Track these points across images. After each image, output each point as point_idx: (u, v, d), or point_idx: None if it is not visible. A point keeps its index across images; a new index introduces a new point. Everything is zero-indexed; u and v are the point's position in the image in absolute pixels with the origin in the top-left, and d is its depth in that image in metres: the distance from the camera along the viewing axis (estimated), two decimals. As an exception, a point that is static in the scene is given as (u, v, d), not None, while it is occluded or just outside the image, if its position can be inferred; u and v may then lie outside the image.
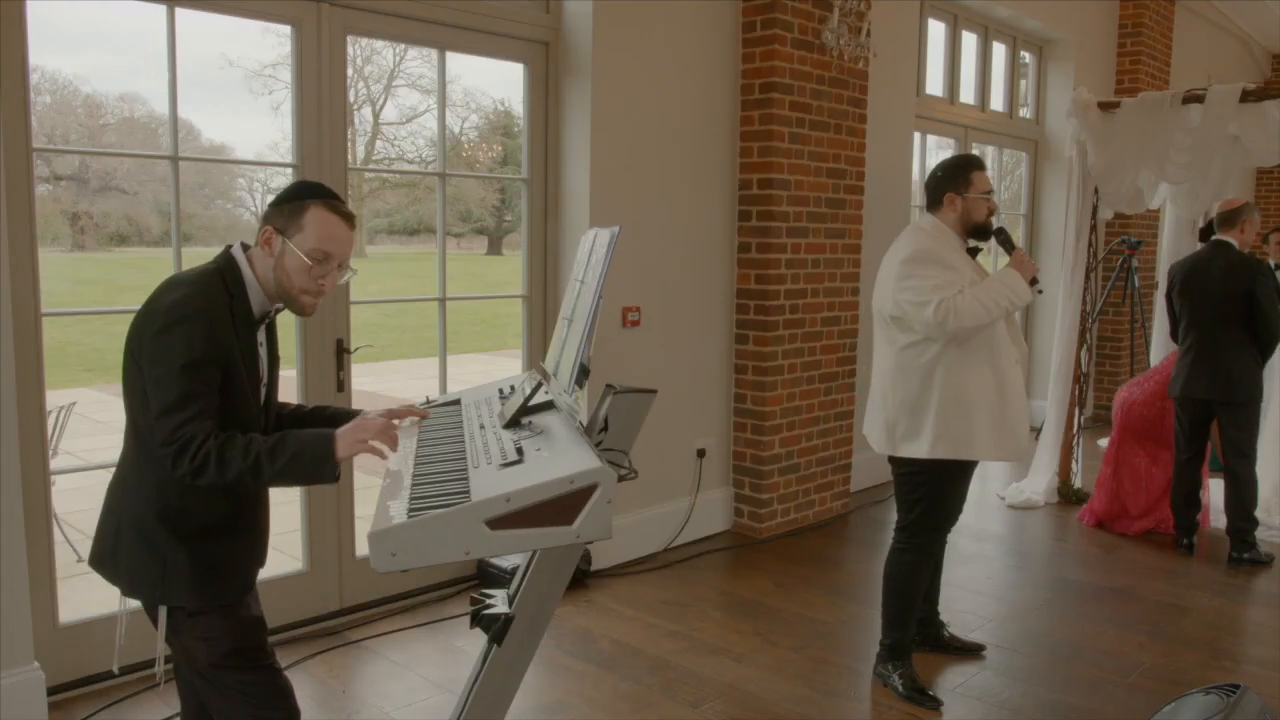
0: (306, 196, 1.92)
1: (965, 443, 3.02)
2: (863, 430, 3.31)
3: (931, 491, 3.14)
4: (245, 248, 1.95)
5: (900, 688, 3.20)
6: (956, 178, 3.11)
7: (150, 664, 3.24)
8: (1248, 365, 4.45)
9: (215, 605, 1.91)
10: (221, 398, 1.85)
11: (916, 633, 3.46)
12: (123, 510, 1.91)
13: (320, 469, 1.80)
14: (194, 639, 1.91)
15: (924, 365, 3.03)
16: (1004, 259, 3.17)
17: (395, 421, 1.99)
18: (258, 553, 2.04)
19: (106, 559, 1.94)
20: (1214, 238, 4.62)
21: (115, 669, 2.20)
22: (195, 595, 1.89)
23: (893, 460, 3.21)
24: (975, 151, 7.09)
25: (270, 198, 1.99)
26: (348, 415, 2.14)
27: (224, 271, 1.90)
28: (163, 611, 1.90)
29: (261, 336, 1.99)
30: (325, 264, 1.91)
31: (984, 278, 3.07)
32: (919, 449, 3.05)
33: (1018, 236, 7.63)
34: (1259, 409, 4.56)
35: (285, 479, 1.81)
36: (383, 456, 1.91)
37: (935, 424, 3.01)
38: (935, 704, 3.16)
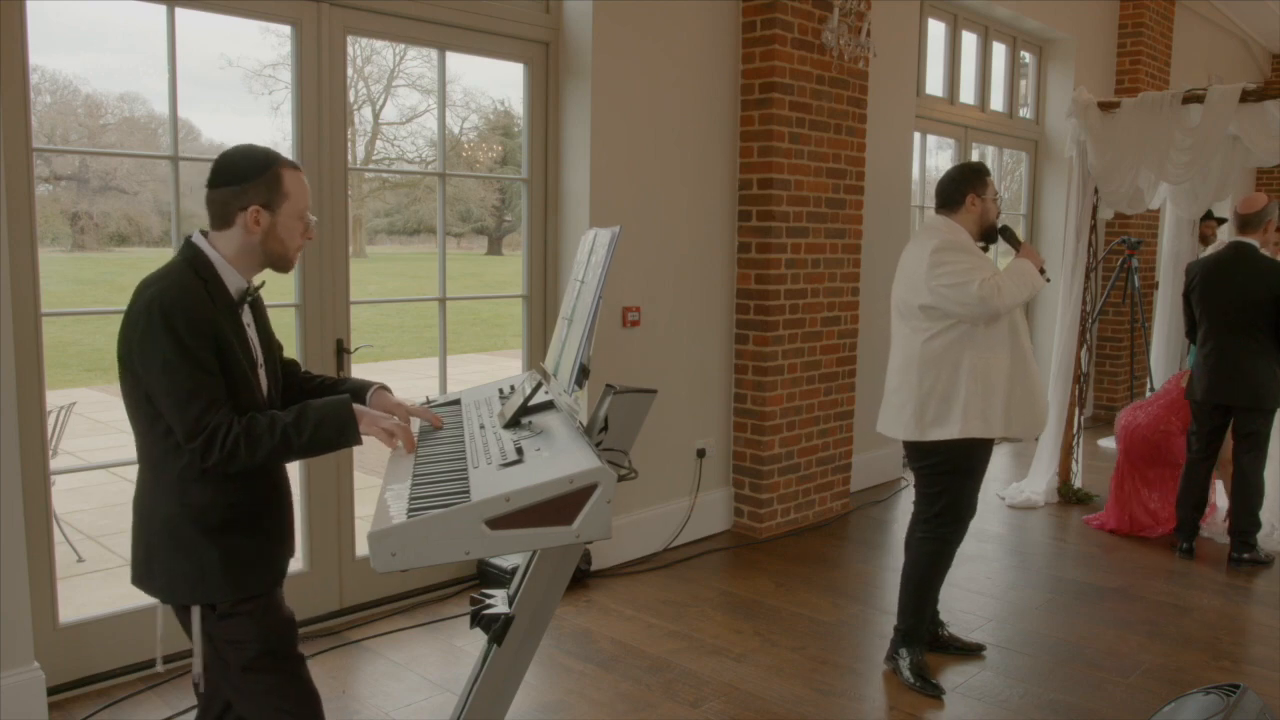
0: (270, 165, 1.93)
1: (989, 420, 3.15)
2: (878, 426, 3.36)
3: (955, 479, 3.24)
4: (204, 234, 1.96)
5: (906, 670, 3.26)
6: (976, 180, 3.28)
7: (151, 663, 3.26)
8: (1272, 370, 4.40)
9: (249, 599, 1.92)
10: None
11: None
12: (150, 519, 1.92)
13: (345, 433, 1.87)
14: (225, 642, 1.92)
15: (953, 352, 3.16)
16: (1005, 259, 3.23)
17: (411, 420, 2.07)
18: (285, 543, 2.06)
19: (143, 573, 1.94)
20: (1234, 239, 4.54)
21: (158, 661, 2.17)
22: (231, 588, 1.90)
23: (916, 452, 3.28)
24: (975, 151, 7.09)
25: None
26: (365, 387, 2.19)
27: (191, 261, 1.91)
28: (196, 613, 1.91)
29: (248, 319, 2.00)
30: (306, 216, 1.99)
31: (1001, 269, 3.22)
32: (950, 430, 3.16)
33: (1020, 235, 7.64)
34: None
35: (313, 448, 1.86)
36: (390, 443, 1.95)
37: (965, 406, 3.14)
38: (937, 692, 3.20)
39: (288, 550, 2.06)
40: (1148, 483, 5.04)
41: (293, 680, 1.99)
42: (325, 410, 1.87)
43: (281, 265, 2.00)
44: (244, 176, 1.91)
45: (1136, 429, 4.99)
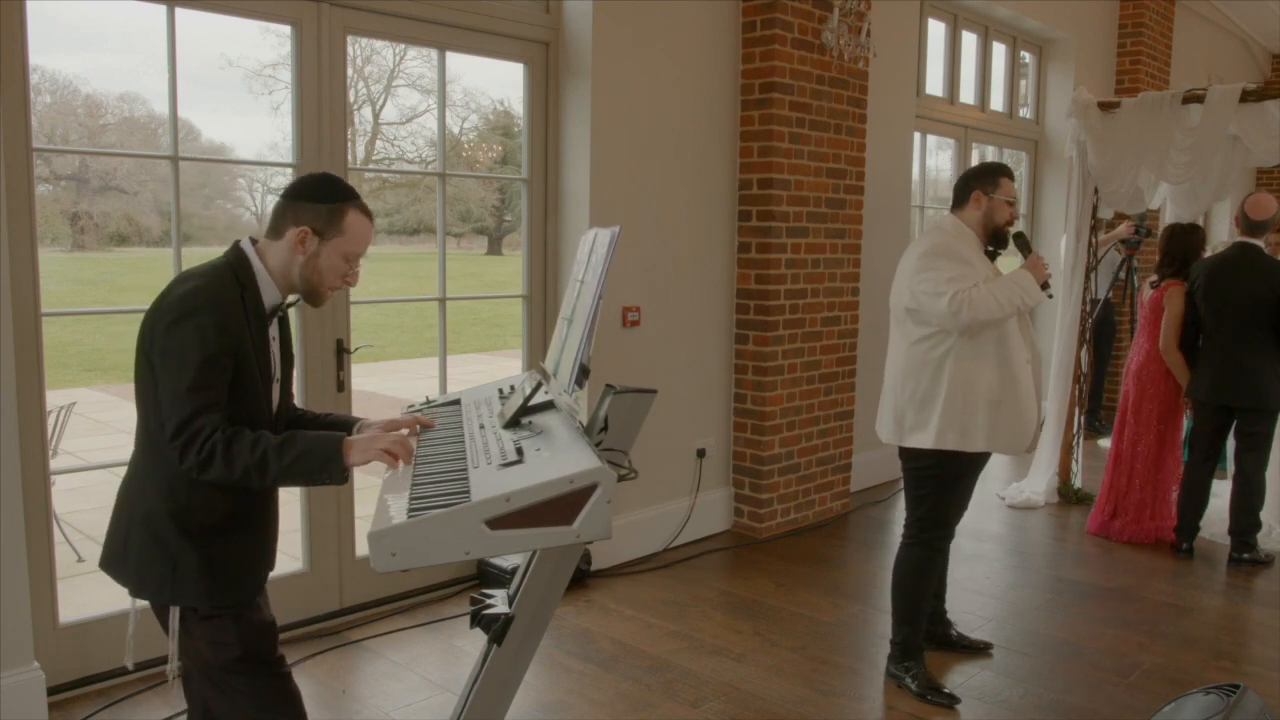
0: (341, 199, 1.94)
1: (966, 433, 3.09)
2: (875, 425, 3.35)
3: (939, 486, 3.19)
4: (254, 241, 1.96)
5: (914, 687, 3.21)
6: (986, 178, 3.22)
7: (152, 663, 3.26)
8: (1276, 371, 4.40)
9: (227, 607, 1.91)
10: (232, 394, 1.85)
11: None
12: (133, 509, 1.91)
13: (327, 468, 1.82)
14: (204, 642, 1.91)
15: (935, 359, 3.10)
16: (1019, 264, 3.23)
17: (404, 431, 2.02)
18: (268, 554, 2.04)
19: (116, 559, 1.93)
20: (1240, 240, 4.54)
21: (129, 665, 2.19)
22: (205, 597, 1.88)
23: (902, 454, 3.26)
24: (976, 152, 7.09)
25: (274, 197, 1.99)
26: (350, 423, 2.15)
27: (234, 265, 1.91)
28: (174, 613, 1.90)
29: (273, 332, 1.99)
30: (354, 262, 1.98)
31: (998, 277, 3.14)
32: (925, 439, 3.12)
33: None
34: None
35: (291, 477, 1.82)
36: (393, 464, 1.90)
37: (942, 415, 3.08)
38: (951, 701, 3.16)
39: (268, 564, 2.04)
40: (1153, 443, 4.89)
41: (272, 682, 1.98)
42: (313, 442, 1.82)
43: (313, 298, 1.99)
44: (314, 197, 1.93)
45: (1145, 363, 4.87)
